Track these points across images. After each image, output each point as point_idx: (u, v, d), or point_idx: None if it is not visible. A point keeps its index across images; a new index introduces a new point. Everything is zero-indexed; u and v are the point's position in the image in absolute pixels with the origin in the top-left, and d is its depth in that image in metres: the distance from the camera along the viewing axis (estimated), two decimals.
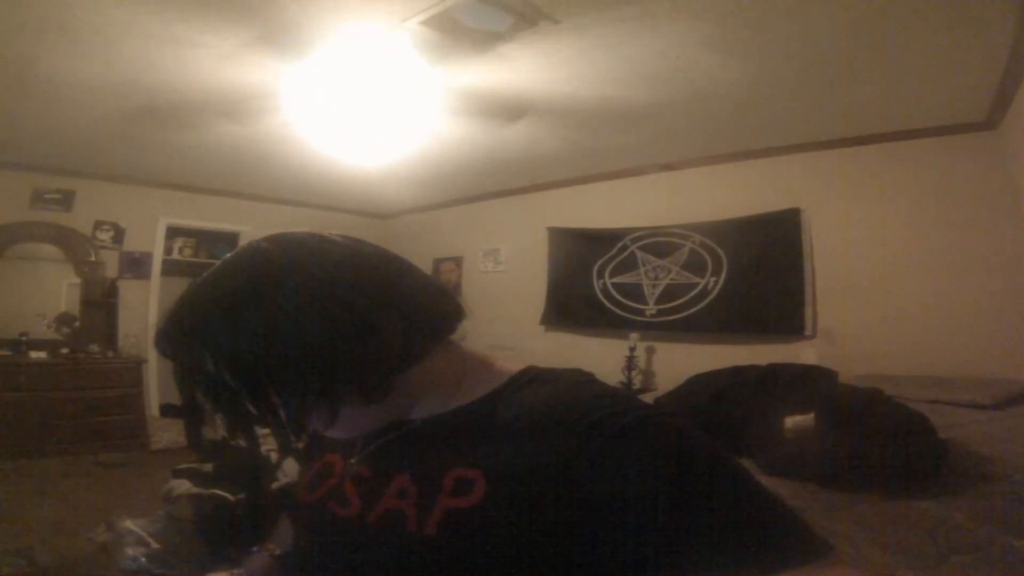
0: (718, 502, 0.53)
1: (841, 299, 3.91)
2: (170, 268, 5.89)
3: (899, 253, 3.73)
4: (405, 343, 0.69)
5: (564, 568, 0.58)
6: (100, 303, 5.37)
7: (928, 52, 2.74)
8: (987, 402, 2.62)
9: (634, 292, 4.89)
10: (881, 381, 2.77)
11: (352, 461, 0.77)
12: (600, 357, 4.74)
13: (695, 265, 4.58)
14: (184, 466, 2.71)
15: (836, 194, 4.02)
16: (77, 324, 5.25)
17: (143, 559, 2.30)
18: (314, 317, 0.63)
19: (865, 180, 3.92)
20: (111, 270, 5.53)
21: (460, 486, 0.62)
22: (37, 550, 2.87)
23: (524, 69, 3.06)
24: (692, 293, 4.56)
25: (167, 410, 5.47)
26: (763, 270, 4.21)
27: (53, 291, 5.35)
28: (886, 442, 1.76)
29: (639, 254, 4.90)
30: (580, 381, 0.72)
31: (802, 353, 3.87)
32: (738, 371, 2.87)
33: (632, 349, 4.65)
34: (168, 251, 6.00)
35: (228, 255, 0.71)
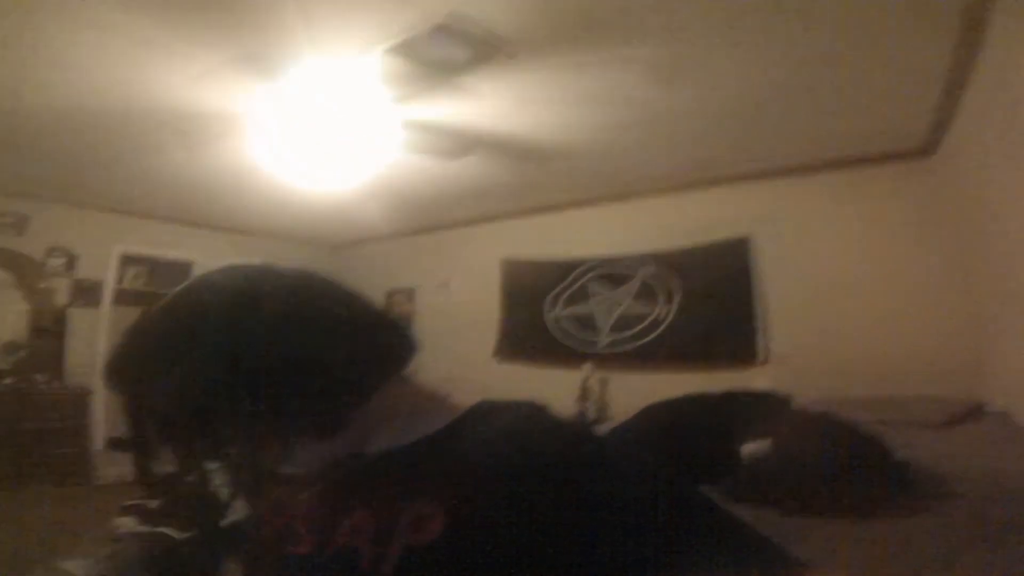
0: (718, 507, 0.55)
1: (792, 325, 3.98)
2: (122, 297, 5.71)
3: (848, 278, 3.82)
4: (357, 378, 0.69)
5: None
6: (48, 331, 5.20)
7: (867, 83, 2.86)
8: (938, 420, 2.64)
9: (587, 323, 4.89)
10: (831, 405, 2.79)
11: (303, 497, 0.74)
12: (554, 388, 4.64)
13: (647, 295, 4.62)
14: (131, 503, 2.59)
15: (786, 221, 4.12)
16: (23, 353, 5.03)
17: None
18: (264, 352, 0.63)
19: (813, 207, 4.05)
20: (62, 297, 5.37)
21: (418, 522, 0.60)
22: None
23: (481, 102, 3.12)
24: (644, 323, 4.59)
25: (114, 444, 5.21)
26: (714, 299, 4.27)
27: (1, 317, 5.12)
28: (842, 464, 1.77)
29: (591, 285, 4.94)
30: (533, 411, 0.72)
31: (755, 380, 3.88)
32: (692, 400, 2.88)
33: (586, 380, 4.60)
34: (120, 280, 5.84)
35: (180, 288, 0.71)
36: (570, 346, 4.93)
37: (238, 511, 0.81)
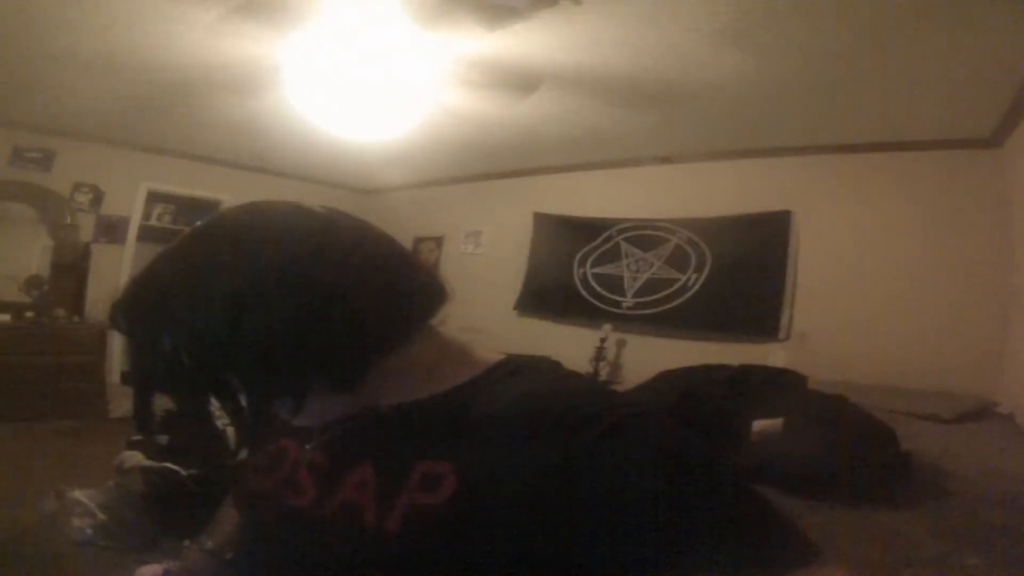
0: (718, 501, 0.52)
1: (818, 304, 3.92)
2: (147, 234, 5.72)
3: (882, 262, 3.73)
4: (384, 327, 0.64)
5: (548, 572, 0.54)
6: (71, 267, 5.21)
7: (940, 63, 2.70)
8: (947, 416, 2.64)
9: (614, 283, 4.86)
10: (845, 388, 2.77)
11: (308, 447, 0.71)
12: (569, 346, 4.69)
13: (678, 260, 4.55)
14: (138, 437, 2.65)
15: (828, 199, 4.02)
16: (45, 288, 5.10)
17: (89, 531, 2.25)
18: (285, 295, 0.58)
19: (859, 188, 3.91)
20: (86, 234, 5.37)
21: (428, 481, 0.57)
22: None
23: (534, 43, 2.96)
24: (672, 288, 4.54)
25: (127, 378, 5.33)
26: (746, 270, 4.19)
27: (26, 252, 5.18)
28: (851, 451, 1.75)
29: (623, 245, 4.87)
30: (563, 375, 0.68)
31: (771, 355, 3.87)
32: (709, 370, 2.85)
33: (603, 340, 4.62)
34: (147, 217, 5.86)
35: (199, 224, 0.66)
36: (594, 304, 4.90)
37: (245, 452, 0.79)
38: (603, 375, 4.61)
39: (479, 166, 5.77)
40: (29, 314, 4.88)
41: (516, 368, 0.69)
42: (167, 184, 5.92)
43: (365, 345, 0.62)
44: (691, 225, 4.55)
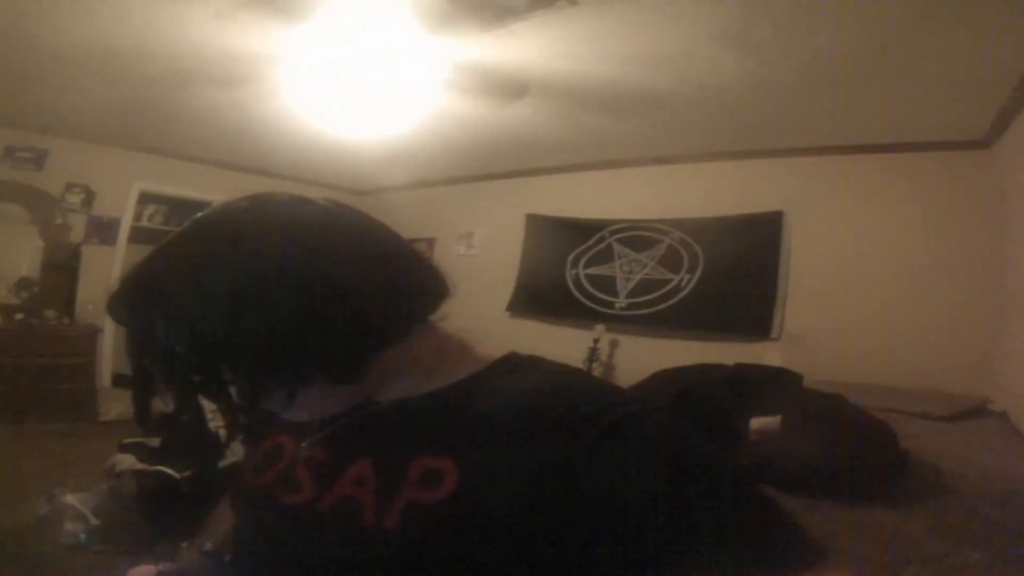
0: (718, 502, 0.52)
1: (811, 304, 3.94)
2: (138, 235, 5.65)
3: (875, 263, 3.76)
4: (385, 320, 0.63)
5: (548, 572, 0.53)
6: (62, 268, 5.17)
7: (936, 65, 2.72)
8: (941, 414, 2.65)
9: (606, 284, 4.86)
10: (839, 387, 2.78)
11: (305, 443, 0.70)
12: (563, 347, 4.66)
13: (671, 261, 4.56)
14: (130, 440, 2.62)
15: (821, 201, 4.04)
16: (36, 289, 5.05)
17: (82, 535, 2.22)
18: (285, 286, 0.57)
19: (852, 189, 3.94)
20: (77, 234, 5.32)
21: (428, 477, 0.57)
22: None
23: (530, 46, 2.96)
24: (665, 289, 4.54)
25: (119, 380, 5.26)
26: (739, 270, 4.20)
27: (16, 253, 5.12)
28: (850, 449, 1.75)
29: (616, 246, 4.88)
30: (567, 370, 0.67)
31: (766, 355, 3.88)
32: (704, 370, 2.85)
33: (596, 341, 4.63)
34: (138, 218, 5.79)
35: (198, 215, 0.65)
36: (586, 305, 4.90)
37: (237, 453, 0.78)
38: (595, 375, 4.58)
39: (473, 167, 5.76)
40: (19, 315, 4.83)
41: (517, 364, 0.68)
42: (159, 184, 5.86)
43: (364, 340, 0.61)
44: (684, 226, 4.56)
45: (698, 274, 4.39)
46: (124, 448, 2.57)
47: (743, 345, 4.05)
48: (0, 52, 3.35)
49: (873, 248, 3.78)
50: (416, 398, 0.65)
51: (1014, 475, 1.82)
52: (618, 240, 4.87)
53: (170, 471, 2.39)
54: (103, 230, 5.50)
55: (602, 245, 4.95)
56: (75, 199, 5.33)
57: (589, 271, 4.97)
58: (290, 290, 0.57)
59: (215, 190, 5.93)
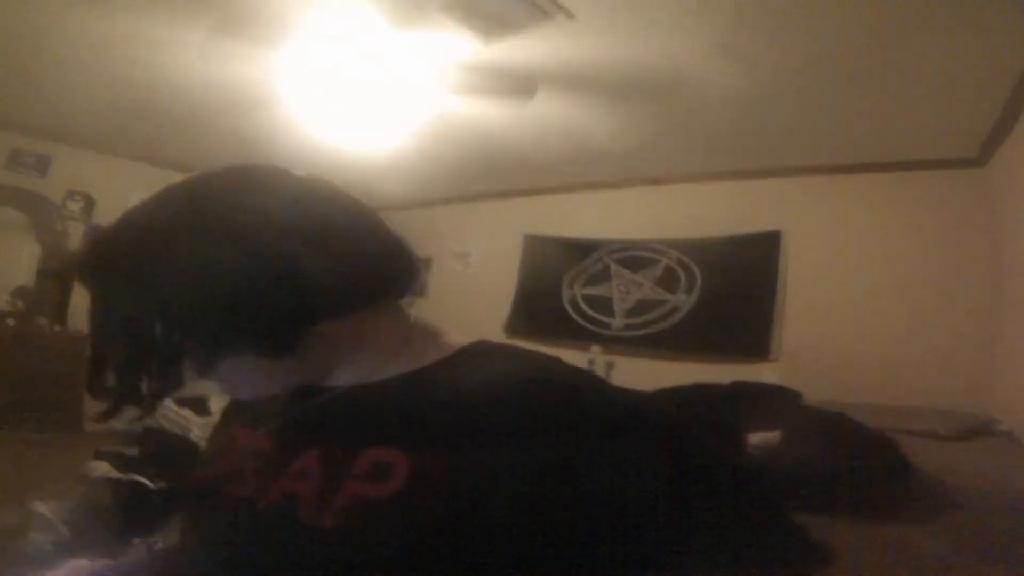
0: (718, 502, 0.50)
1: (809, 323, 3.91)
2: None
3: (873, 281, 3.74)
4: (325, 293, 0.60)
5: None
6: (56, 275, 5.12)
7: (932, 80, 2.73)
8: (946, 433, 2.59)
9: (603, 304, 4.83)
10: (841, 408, 2.71)
11: (257, 433, 0.65)
12: None
13: (668, 281, 4.55)
14: (107, 448, 2.54)
15: (818, 220, 4.05)
16: (32, 300, 5.03)
17: (48, 546, 2.12)
18: (232, 252, 0.56)
19: (849, 208, 3.94)
20: (75, 241, 5.31)
21: (376, 470, 0.51)
22: None
23: (526, 56, 2.96)
24: (661, 309, 4.51)
25: (92, 388, 5.18)
26: (736, 291, 4.19)
27: (13, 259, 5.11)
28: (850, 451, 1.70)
29: (613, 267, 4.86)
30: (549, 358, 0.63)
31: (764, 375, 3.80)
32: (701, 388, 2.80)
33: (591, 362, 4.56)
34: None
35: (179, 182, 0.66)
36: (583, 326, 4.86)
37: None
38: None
39: (469, 186, 5.77)
40: (10, 321, 4.82)
41: (489, 350, 0.65)
42: None
43: (297, 310, 0.58)
44: (681, 246, 4.55)
45: (695, 294, 4.36)
46: (100, 456, 2.49)
47: (741, 367, 3.99)
48: (7, 53, 3.39)
49: (871, 267, 3.77)
50: (373, 384, 0.61)
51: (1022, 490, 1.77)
52: (615, 260, 4.85)
53: (145, 481, 2.30)
54: None
55: (599, 265, 4.94)
56: (75, 207, 5.35)
57: (586, 291, 4.94)
58: (235, 255, 0.56)
59: None
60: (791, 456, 1.76)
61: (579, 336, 4.82)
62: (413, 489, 0.49)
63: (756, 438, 1.93)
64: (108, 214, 5.43)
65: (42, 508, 2.25)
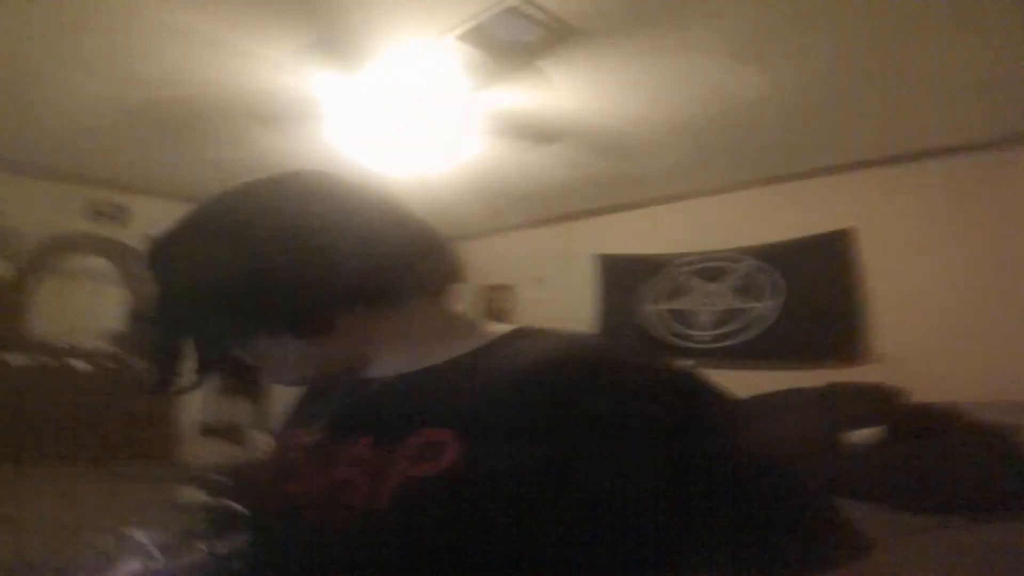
0: (719, 502, 0.47)
1: (903, 323, 3.70)
2: None
3: (957, 270, 3.56)
4: (361, 280, 0.64)
5: (543, 560, 0.47)
6: (148, 317, 5.42)
7: (974, 58, 2.61)
8: None
9: (685, 318, 4.75)
10: (958, 407, 2.51)
11: (309, 430, 0.67)
12: None
13: (747, 290, 4.44)
14: (198, 474, 2.62)
15: (891, 213, 3.89)
16: (128, 343, 5.33)
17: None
18: (272, 245, 0.62)
19: (920, 197, 3.79)
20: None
21: (426, 450, 0.52)
22: (35, 552, 2.79)
23: (560, 89, 3.06)
24: (745, 319, 4.41)
25: (208, 430, 5.51)
26: (817, 293, 4.08)
27: (105, 305, 5.47)
28: (967, 461, 1.55)
29: (689, 280, 4.79)
30: (579, 337, 0.61)
31: (866, 377, 3.59)
32: (797, 391, 2.71)
33: None
34: None
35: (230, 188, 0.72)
36: (666, 342, 4.77)
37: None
38: None
39: (537, 212, 5.81)
40: (109, 364, 5.16)
41: (530, 333, 0.64)
42: None
43: (331, 291, 0.63)
44: (753, 253, 4.46)
45: (779, 300, 4.26)
46: (192, 482, 2.57)
47: (839, 371, 3.74)
48: (84, 107, 3.65)
49: (952, 255, 3.58)
50: (417, 371, 0.63)
51: None
52: (689, 273, 4.78)
53: (237, 506, 2.35)
54: None
55: (676, 280, 4.86)
56: None
57: (664, 306, 4.88)
58: (265, 242, 0.62)
59: None
60: (895, 464, 1.64)
61: (670, 352, 4.65)
62: (464, 463, 0.50)
63: (857, 435, 1.84)
64: None
65: (140, 536, 2.32)
